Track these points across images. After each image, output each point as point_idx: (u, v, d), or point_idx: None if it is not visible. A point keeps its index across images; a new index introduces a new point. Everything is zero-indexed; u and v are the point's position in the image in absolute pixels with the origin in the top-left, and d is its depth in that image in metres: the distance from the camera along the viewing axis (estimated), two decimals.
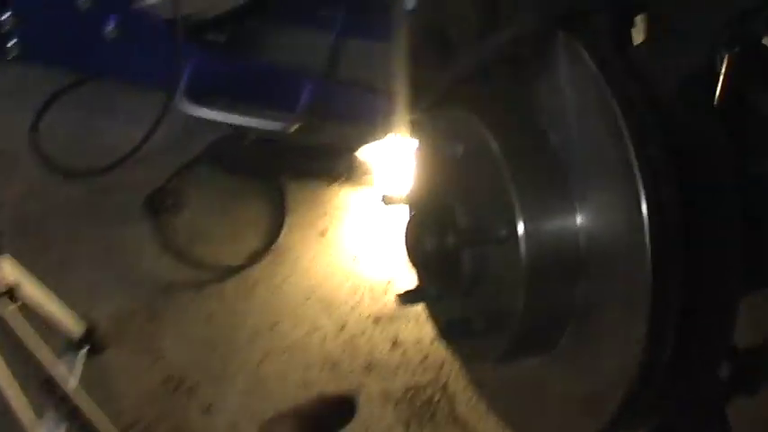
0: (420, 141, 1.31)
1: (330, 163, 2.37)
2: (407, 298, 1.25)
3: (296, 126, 2.37)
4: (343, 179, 2.41)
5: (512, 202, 1.04)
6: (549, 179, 1.11)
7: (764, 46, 1.36)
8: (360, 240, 2.41)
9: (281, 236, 2.44)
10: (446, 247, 1.10)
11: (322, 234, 2.46)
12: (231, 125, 2.46)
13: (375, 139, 2.29)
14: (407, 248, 1.20)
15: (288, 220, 2.47)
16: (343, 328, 2.31)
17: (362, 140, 2.31)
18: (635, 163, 0.96)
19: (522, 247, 1.05)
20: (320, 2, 2.67)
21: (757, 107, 1.43)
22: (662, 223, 0.94)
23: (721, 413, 1.11)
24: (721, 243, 1.03)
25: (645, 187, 0.95)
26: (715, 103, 1.34)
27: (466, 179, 1.17)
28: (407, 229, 1.20)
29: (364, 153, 2.37)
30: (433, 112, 1.25)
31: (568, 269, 1.07)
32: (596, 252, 1.04)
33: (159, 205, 2.43)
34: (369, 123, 2.28)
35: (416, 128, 1.31)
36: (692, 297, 1.02)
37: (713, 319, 1.07)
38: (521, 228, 1.06)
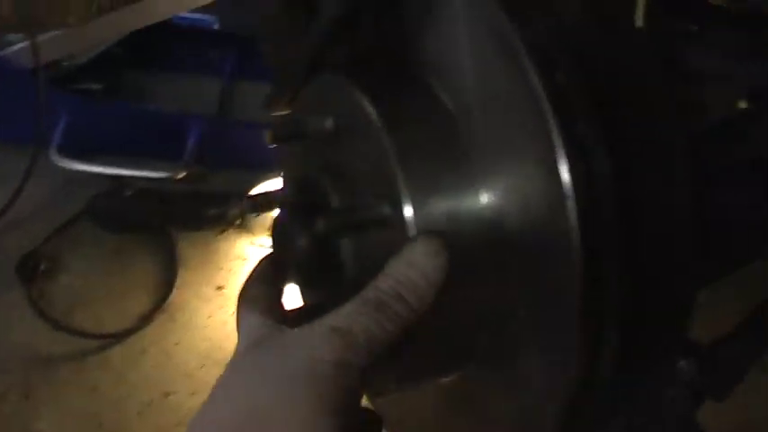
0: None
1: (222, 210, 2.16)
2: (295, 321, 1.04)
3: (183, 173, 2.19)
4: (238, 226, 2.20)
5: (395, 178, 0.83)
6: (444, 149, 0.90)
7: None
8: None
9: (173, 294, 2.22)
10: (318, 235, 0.89)
11: (219, 289, 2.24)
12: (113, 178, 2.25)
13: (268, 182, 2.10)
14: (275, 249, 0.99)
15: (180, 277, 2.25)
16: None
17: (255, 184, 2.11)
18: (553, 125, 0.77)
19: (411, 229, 0.86)
20: (209, 45, 2.54)
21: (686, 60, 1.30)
22: (591, 199, 0.74)
23: (688, 418, 0.92)
24: (669, 219, 0.84)
25: (568, 155, 0.77)
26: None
27: (341, 157, 0.97)
28: (273, 227, 1.00)
29: (258, 197, 2.13)
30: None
31: (473, 260, 0.88)
32: (509, 239, 0.83)
33: (33, 270, 2.18)
34: (261, 166, 2.09)
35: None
36: (636, 289, 0.84)
37: (664, 315, 0.88)
38: (407, 208, 0.86)
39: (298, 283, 0.98)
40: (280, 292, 0.90)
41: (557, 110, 0.76)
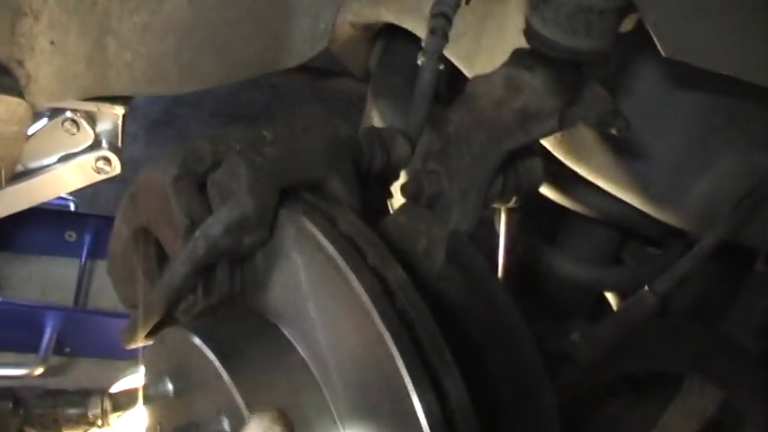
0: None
1: (83, 410, 2.04)
2: None
3: (41, 369, 2.05)
4: (99, 425, 2.09)
5: None
6: (305, 414, 0.88)
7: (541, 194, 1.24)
8: None
9: None
10: None
11: None
12: None
13: (132, 373, 2.00)
14: None
15: None
16: None
17: (118, 376, 2.01)
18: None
19: None
20: (66, 226, 2.46)
21: (546, 265, 1.30)
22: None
23: None
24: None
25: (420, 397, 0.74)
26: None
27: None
28: None
29: (120, 390, 2.05)
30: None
31: None
32: None
33: None
34: (124, 355, 2.00)
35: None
36: None
37: None
38: None
39: None
40: None
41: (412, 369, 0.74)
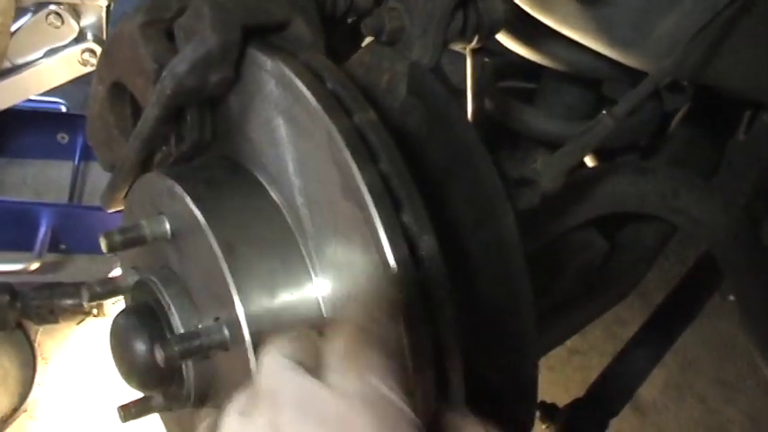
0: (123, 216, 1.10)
1: (78, 300, 2.09)
2: (130, 412, 1.01)
3: (37, 264, 2.10)
4: (95, 314, 2.14)
5: (231, 297, 0.83)
6: (274, 245, 0.90)
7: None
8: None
9: (34, 391, 2.13)
10: (160, 362, 0.87)
11: (81, 381, 2.17)
12: None
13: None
14: (115, 357, 0.96)
15: (40, 372, 2.17)
16: None
17: (110, 268, 2.06)
18: (376, 218, 0.77)
19: (250, 353, 0.84)
20: (58, 128, 2.48)
21: (518, 120, 1.32)
22: (419, 282, 0.75)
23: None
24: (505, 289, 0.85)
25: (392, 244, 0.75)
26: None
27: (177, 262, 0.95)
28: (112, 334, 0.97)
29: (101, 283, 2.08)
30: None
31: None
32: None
33: None
34: None
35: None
36: (475, 365, 0.84)
37: (507, 389, 0.89)
38: (245, 332, 0.84)
39: (137, 388, 0.96)
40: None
41: (379, 203, 0.76)
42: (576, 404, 1.29)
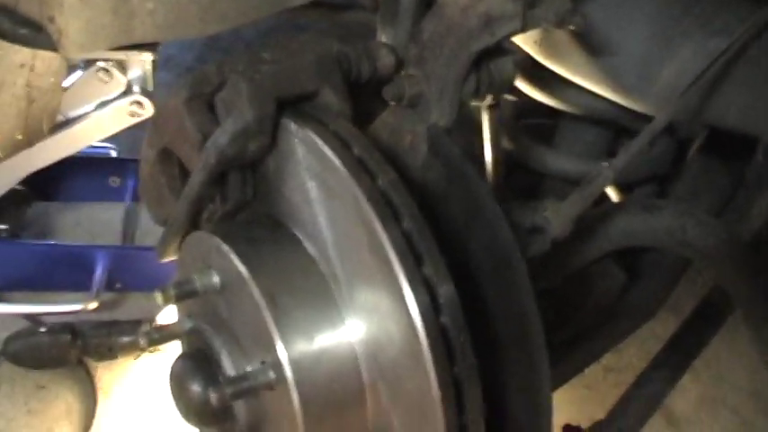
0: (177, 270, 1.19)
1: (134, 338, 2.20)
2: None
3: (94, 304, 2.21)
4: (151, 350, 2.24)
5: (274, 343, 0.94)
6: (312, 294, 1.00)
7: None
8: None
9: (96, 423, 2.23)
10: (214, 403, 0.97)
11: (139, 413, 2.27)
12: (25, 315, 2.27)
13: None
14: (174, 398, 1.06)
15: (101, 405, 2.27)
16: None
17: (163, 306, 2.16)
18: (399, 269, 0.85)
19: (294, 391, 0.94)
20: (109, 172, 2.60)
21: (538, 161, 1.41)
22: (440, 330, 0.85)
23: None
24: (520, 326, 0.94)
25: (414, 293, 0.85)
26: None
27: (225, 311, 1.05)
28: (171, 377, 1.07)
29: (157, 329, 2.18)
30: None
31: (351, 401, 0.97)
32: (380, 375, 0.93)
33: None
34: None
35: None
36: (497, 394, 0.93)
37: (526, 412, 0.96)
38: (288, 373, 0.94)
39: (195, 425, 1.06)
40: None
41: (402, 258, 0.85)
42: (596, 427, 1.37)
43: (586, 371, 2.34)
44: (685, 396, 2.36)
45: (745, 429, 2.34)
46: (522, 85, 1.35)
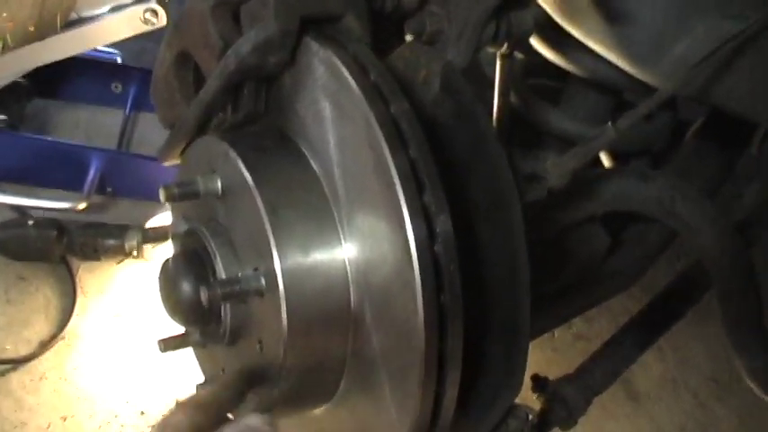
0: (179, 172, 1.22)
1: (120, 241, 2.23)
2: (170, 344, 1.15)
3: (84, 204, 2.23)
4: (135, 257, 2.28)
5: (271, 251, 0.97)
6: (311, 209, 1.03)
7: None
8: (157, 320, 2.25)
9: (72, 321, 2.28)
10: (204, 302, 1.01)
11: (116, 316, 2.31)
12: (15, 207, 2.29)
13: (164, 213, 2.18)
14: (162, 296, 1.09)
15: (79, 304, 2.32)
16: (142, 413, 2.15)
17: (152, 215, 2.19)
18: (401, 196, 0.89)
19: (282, 300, 0.97)
20: (112, 78, 2.60)
21: (542, 119, 1.44)
22: (434, 256, 0.88)
23: None
24: (509, 267, 0.97)
25: (412, 221, 0.88)
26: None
27: (224, 216, 1.08)
28: (162, 274, 1.10)
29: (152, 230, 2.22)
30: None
31: (337, 318, 1.00)
32: (368, 297, 0.97)
33: None
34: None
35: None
36: (479, 329, 0.97)
37: (503, 360, 1.01)
38: (280, 282, 0.97)
39: (180, 322, 1.10)
40: None
41: (405, 183, 0.89)
42: (565, 379, 1.42)
43: (556, 334, 2.41)
44: (649, 373, 2.43)
45: (702, 412, 2.41)
46: (536, 42, 1.37)
